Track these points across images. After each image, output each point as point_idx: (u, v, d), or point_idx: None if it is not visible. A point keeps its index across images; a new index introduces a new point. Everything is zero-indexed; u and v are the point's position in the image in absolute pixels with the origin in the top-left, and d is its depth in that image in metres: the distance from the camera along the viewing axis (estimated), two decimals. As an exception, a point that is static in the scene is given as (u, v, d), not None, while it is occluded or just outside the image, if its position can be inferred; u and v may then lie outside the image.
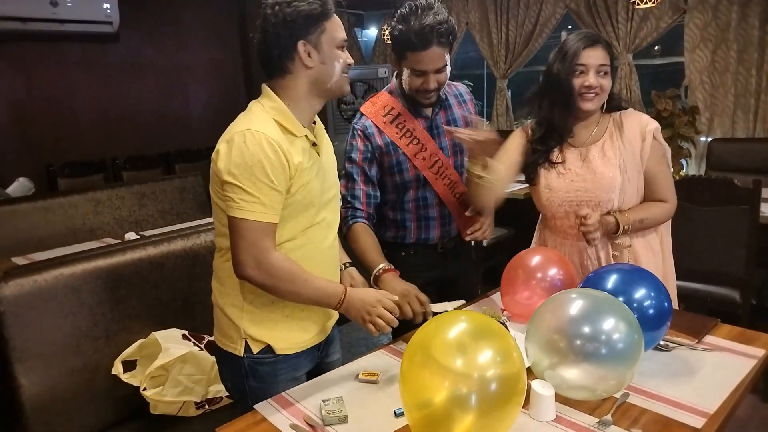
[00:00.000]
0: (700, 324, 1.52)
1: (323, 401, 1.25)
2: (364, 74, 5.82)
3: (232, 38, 5.72)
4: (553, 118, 1.66)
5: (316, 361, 1.49)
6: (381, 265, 1.60)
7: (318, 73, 1.30)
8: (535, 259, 1.60)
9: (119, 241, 2.54)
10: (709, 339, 1.46)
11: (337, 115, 5.77)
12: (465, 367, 1.02)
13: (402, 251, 1.82)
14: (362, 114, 1.76)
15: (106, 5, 4.49)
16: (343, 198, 1.72)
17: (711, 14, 4.06)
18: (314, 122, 1.40)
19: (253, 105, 1.33)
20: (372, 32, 7.03)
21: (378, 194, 1.75)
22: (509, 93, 5.48)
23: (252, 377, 1.37)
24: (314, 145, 1.36)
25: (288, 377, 1.39)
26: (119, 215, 3.42)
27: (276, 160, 1.23)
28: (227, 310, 1.37)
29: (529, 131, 1.74)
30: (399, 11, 1.61)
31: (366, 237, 1.68)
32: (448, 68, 1.67)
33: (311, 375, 1.44)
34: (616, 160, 1.63)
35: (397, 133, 1.72)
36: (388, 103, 1.75)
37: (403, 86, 1.69)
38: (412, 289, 1.51)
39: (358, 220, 1.70)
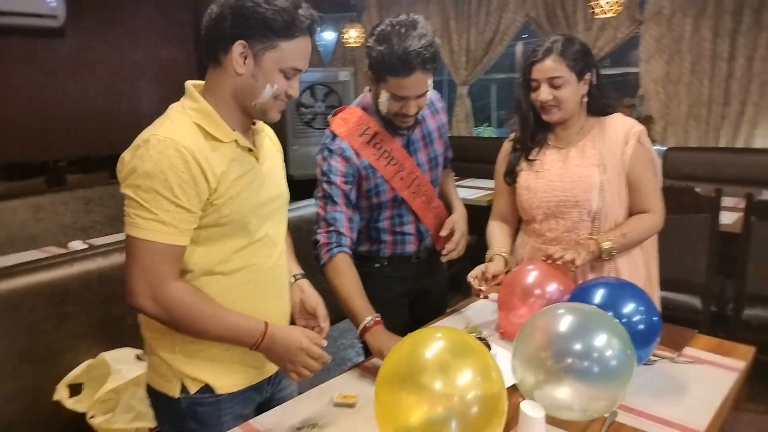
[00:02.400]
0: (678, 335, 1.51)
1: (297, 429, 1.15)
2: (324, 78, 5.73)
3: (186, 37, 5.51)
4: (527, 126, 1.65)
5: (267, 395, 1.33)
6: (369, 318, 1.44)
7: (245, 84, 1.12)
8: (532, 276, 1.53)
9: (64, 251, 2.36)
10: (688, 351, 1.44)
11: (295, 118, 5.65)
12: (444, 388, 0.97)
13: (376, 263, 1.72)
14: (335, 134, 1.60)
15: (49, -2, 4.24)
16: (323, 221, 1.57)
17: (666, 26, 4.17)
18: (253, 123, 1.24)
19: (172, 107, 1.16)
20: (330, 35, 6.94)
21: (359, 219, 1.63)
22: (468, 100, 5.49)
23: (192, 420, 1.21)
24: (251, 150, 1.20)
25: (234, 415, 1.23)
26: (63, 222, 3.21)
27: (185, 171, 1.06)
28: (157, 344, 1.20)
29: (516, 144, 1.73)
30: (379, 29, 1.46)
31: (351, 275, 1.51)
32: (430, 92, 1.57)
33: (261, 409, 1.29)
34: (596, 160, 1.59)
35: (374, 155, 1.59)
36: (363, 121, 1.61)
37: (380, 108, 1.56)
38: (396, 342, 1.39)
39: (343, 249, 1.54)
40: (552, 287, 1.49)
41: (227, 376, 1.22)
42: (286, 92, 1.16)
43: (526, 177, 1.67)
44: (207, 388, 1.20)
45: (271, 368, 1.30)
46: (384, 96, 1.52)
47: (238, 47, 1.10)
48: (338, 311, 1.89)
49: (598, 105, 1.63)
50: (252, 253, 1.21)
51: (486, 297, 1.58)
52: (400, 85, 1.47)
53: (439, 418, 0.95)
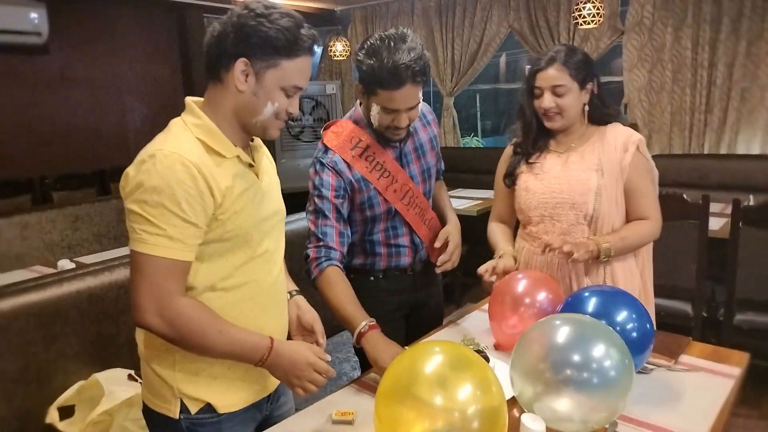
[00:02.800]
0: (674, 343, 1.52)
1: (296, 447, 1.14)
2: (311, 91, 5.73)
3: (172, 53, 5.49)
4: (529, 132, 1.70)
5: (266, 413, 1.32)
6: (363, 323, 1.44)
7: (246, 102, 1.13)
8: (522, 285, 1.54)
9: (53, 271, 2.32)
10: (684, 358, 1.45)
11: (284, 131, 5.64)
12: (444, 402, 0.97)
13: (371, 276, 1.72)
14: (328, 148, 1.61)
15: (33, 15, 4.20)
16: (313, 236, 1.57)
17: (647, 36, 4.24)
18: (252, 140, 1.25)
19: (174, 122, 1.16)
20: (316, 49, 6.97)
21: (350, 234, 1.63)
22: (455, 111, 5.53)
23: None
24: (251, 166, 1.21)
25: None
26: (50, 240, 3.17)
27: (192, 186, 1.06)
28: (155, 365, 1.18)
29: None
30: (368, 42, 1.48)
31: (342, 286, 1.52)
32: (421, 104, 1.58)
33: (261, 428, 1.28)
34: (594, 165, 1.62)
35: (366, 167, 1.60)
36: (355, 134, 1.61)
37: (372, 121, 1.57)
38: (397, 349, 1.39)
39: (333, 262, 1.54)
40: (542, 296, 1.50)
41: (229, 395, 1.21)
42: (287, 110, 1.16)
43: (525, 179, 1.71)
44: (208, 408, 1.19)
45: (273, 384, 1.28)
46: (375, 109, 1.52)
47: (240, 65, 1.10)
48: (332, 325, 1.89)
49: (599, 114, 1.67)
50: (253, 269, 1.20)
51: None
52: (391, 98, 1.47)
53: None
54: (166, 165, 1.05)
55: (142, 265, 1.06)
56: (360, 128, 1.62)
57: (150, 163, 1.05)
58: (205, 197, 1.08)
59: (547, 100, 1.60)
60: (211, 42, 1.13)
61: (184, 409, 1.18)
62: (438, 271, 1.64)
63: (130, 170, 1.08)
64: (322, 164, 1.59)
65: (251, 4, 1.11)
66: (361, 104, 1.64)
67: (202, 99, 1.19)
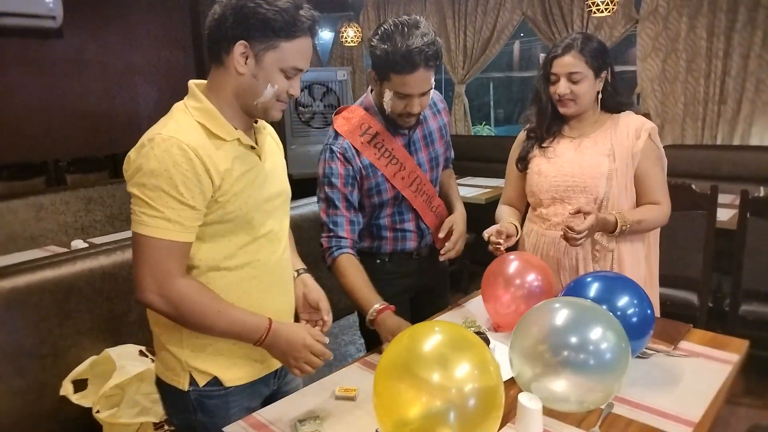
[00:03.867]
0: (674, 330, 1.53)
1: (299, 422, 1.17)
2: (322, 77, 5.74)
3: (184, 37, 5.52)
4: (544, 118, 1.74)
5: (273, 388, 1.36)
6: (375, 306, 1.47)
7: (246, 84, 1.14)
8: (513, 266, 1.57)
9: (66, 250, 2.37)
10: (684, 344, 1.47)
11: (294, 117, 5.67)
12: (442, 380, 0.98)
13: (377, 259, 1.75)
14: (338, 133, 1.63)
15: (48, -1, 4.24)
16: (325, 225, 1.61)
17: (662, 25, 4.19)
18: (255, 121, 1.26)
19: (176, 106, 1.18)
20: (327, 35, 6.95)
21: (361, 220, 1.66)
22: (466, 99, 5.51)
23: (201, 412, 1.24)
24: (253, 148, 1.22)
25: (241, 408, 1.26)
26: (63, 221, 3.22)
27: (189, 169, 1.08)
28: (165, 339, 1.23)
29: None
30: (382, 28, 1.50)
31: (355, 271, 1.55)
32: (432, 90, 1.60)
33: (268, 402, 1.31)
34: (607, 150, 1.66)
35: (375, 154, 1.62)
36: (365, 121, 1.63)
37: (384, 108, 1.59)
38: (404, 325, 1.42)
39: (344, 250, 1.57)
40: (531, 276, 1.53)
41: (234, 370, 1.25)
42: (288, 92, 1.18)
43: (538, 162, 1.75)
44: (215, 381, 1.23)
45: (276, 362, 1.32)
46: (388, 95, 1.54)
47: (239, 47, 1.11)
48: (338, 308, 1.92)
49: (612, 102, 1.70)
50: (257, 249, 1.23)
51: (502, 252, 1.63)
52: (404, 83, 1.49)
53: (437, 410, 0.96)
54: (163, 149, 1.07)
55: (142, 246, 1.09)
56: (370, 115, 1.64)
57: (148, 147, 1.08)
58: (203, 180, 1.10)
59: (563, 87, 1.64)
60: (212, 25, 1.14)
61: (192, 381, 1.22)
62: (441, 258, 1.67)
63: (132, 154, 1.11)
64: (332, 152, 1.61)
65: None
66: (372, 91, 1.66)
67: (204, 81, 1.21)
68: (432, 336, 1.06)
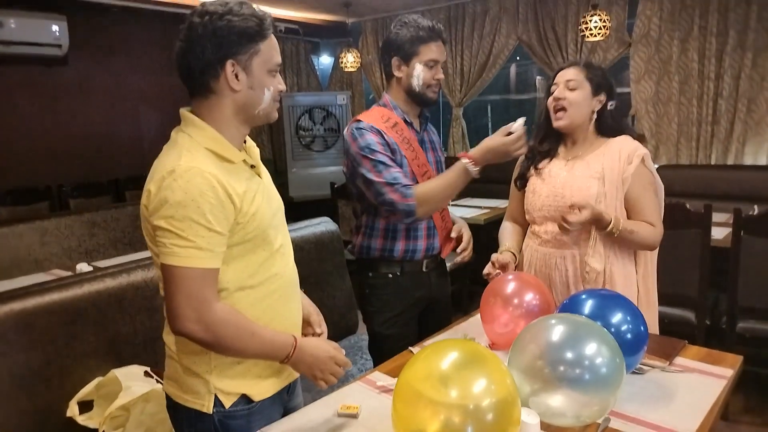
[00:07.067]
0: (670, 346, 1.56)
1: (303, 439, 1.20)
2: (322, 101, 5.83)
3: (186, 63, 5.61)
4: (540, 131, 1.83)
5: (284, 406, 1.39)
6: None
7: (245, 97, 1.18)
8: (511, 286, 1.60)
9: (71, 273, 2.41)
10: (679, 360, 1.49)
11: (295, 141, 5.74)
12: (459, 398, 0.99)
13: (389, 273, 1.85)
14: (361, 121, 1.77)
15: (54, 28, 4.35)
16: (386, 184, 1.69)
17: (654, 48, 4.29)
18: (244, 141, 1.29)
19: (178, 136, 1.18)
20: (327, 60, 7.08)
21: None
22: (464, 121, 5.60)
23: None
24: (252, 167, 1.26)
25: (261, 427, 1.27)
26: (68, 245, 3.26)
27: (213, 197, 1.10)
28: (190, 362, 1.22)
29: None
30: (397, 20, 1.79)
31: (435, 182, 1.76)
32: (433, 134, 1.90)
33: None
34: (597, 174, 1.70)
35: (398, 137, 1.77)
36: (385, 113, 1.81)
37: (414, 85, 1.76)
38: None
39: (413, 189, 1.71)
40: (529, 296, 1.56)
41: (261, 383, 1.28)
42: (278, 89, 1.23)
43: (533, 182, 1.83)
44: (242, 400, 1.25)
45: (294, 373, 1.35)
46: (418, 68, 1.75)
47: (228, 67, 1.15)
48: (339, 327, 1.95)
49: (609, 127, 1.75)
50: (273, 263, 1.27)
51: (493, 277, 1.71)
52: (432, 50, 1.75)
53: (455, 428, 0.96)
54: (186, 179, 1.09)
55: (176, 277, 1.10)
56: (388, 110, 1.81)
57: (170, 179, 1.09)
58: (226, 205, 1.13)
59: (559, 91, 1.72)
60: (188, 61, 1.16)
61: (217, 403, 1.23)
62: (458, 259, 1.84)
63: (151, 187, 1.11)
64: (359, 128, 1.74)
65: (207, 9, 1.15)
66: (389, 91, 1.83)
67: (190, 109, 1.24)
68: (448, 353, 1.07)
